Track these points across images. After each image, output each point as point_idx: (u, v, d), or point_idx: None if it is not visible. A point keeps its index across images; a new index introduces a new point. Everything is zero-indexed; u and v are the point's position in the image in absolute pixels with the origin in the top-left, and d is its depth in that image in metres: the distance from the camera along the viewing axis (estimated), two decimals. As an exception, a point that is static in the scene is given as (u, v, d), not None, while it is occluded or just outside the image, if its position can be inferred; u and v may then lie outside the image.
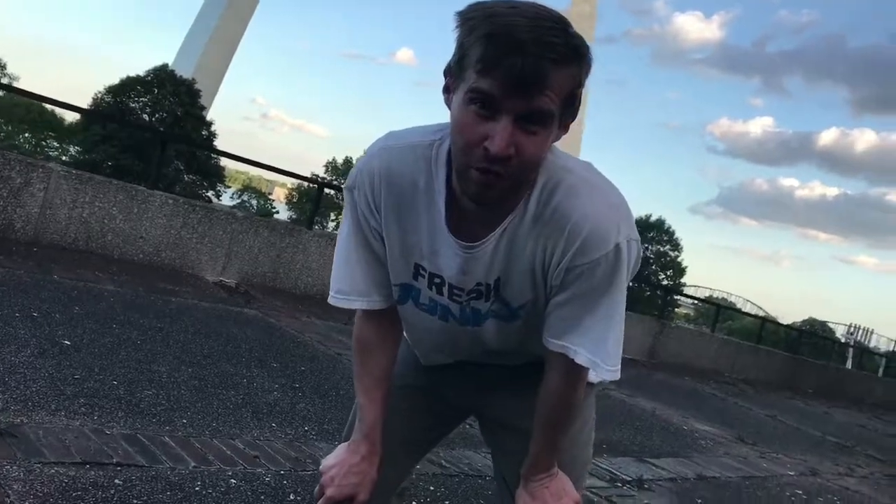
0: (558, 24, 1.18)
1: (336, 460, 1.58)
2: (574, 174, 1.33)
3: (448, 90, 1.28)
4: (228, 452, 3.16)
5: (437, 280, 1.44)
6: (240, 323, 5.84)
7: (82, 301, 4.98)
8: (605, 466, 4.67)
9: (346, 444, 1.61)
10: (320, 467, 1.62)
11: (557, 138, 1.27)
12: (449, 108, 1.27)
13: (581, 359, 1.38)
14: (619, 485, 4.45)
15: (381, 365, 1.57)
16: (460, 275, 1.42)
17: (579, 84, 1.22)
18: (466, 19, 1.21)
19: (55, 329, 4.15)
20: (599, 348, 1.37)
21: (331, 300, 1.53)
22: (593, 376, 1.47)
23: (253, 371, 4.50)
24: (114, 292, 5.54)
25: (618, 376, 1.40)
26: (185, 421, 3.38)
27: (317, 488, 1.61)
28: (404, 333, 1.64)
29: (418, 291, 1.49)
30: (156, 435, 3.12)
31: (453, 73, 1.25)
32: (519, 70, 1.15)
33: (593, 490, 4.16)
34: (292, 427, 3.69)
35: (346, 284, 1.51)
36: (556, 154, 1.33)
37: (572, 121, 1.27)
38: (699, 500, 4.61)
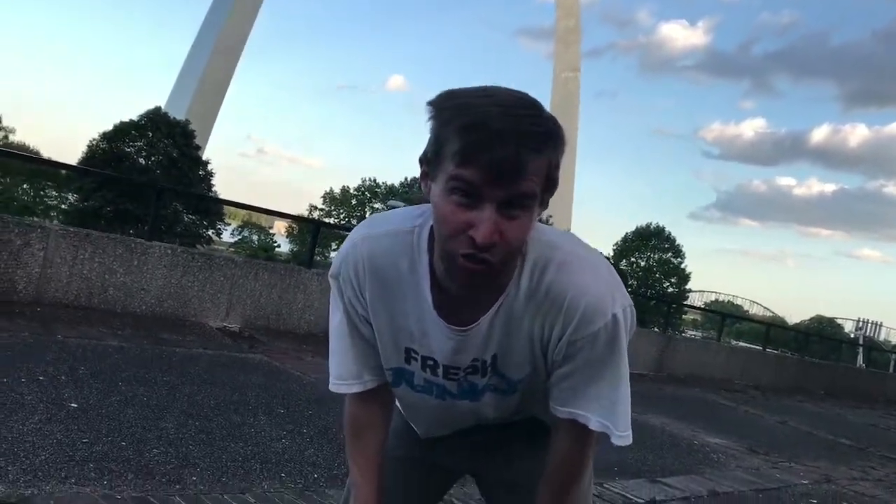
0: (532, 111, 1.21)
1: None
2: (561, 250, 1.37)
3: (425, 177, 1.30)
4: (239, 508, 3.18)
5: (430, 362, 1.47)
6: (245, 369, 5.87)
7: (87, 360, 5.01)
8: (616, 490, 4.68)
9: None
10: None
11: (539, 215, 1.30)
12: (427, 194, 1.30)
13: (594, 424, 1.42)
14: (632, 508, 4.46)
15: (374, 443, 1.60)
16: (454, 355, 1.44)
17: (556, 165, 1.26)
18: (441, 109, 1.24)
19: (62, 391, 4.19)
20: (609, 414, 1.41)
21: (331, 387, 1.57)
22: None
23: (260, 419, 4.53)
24: (118, 348, 5.58)
25: (629, 441, 1.42)
26: (195, 478, 3.40)
27: None
28: (399, 407, 1.67)
29: (412, 374, 1.51)
30: (167, 496, 3.14)
31: (430, 162, 1.27)
32: (499, 160, 1.17)
33: (606, 516, 4.17)
34: (302, 476, 3.71)
35: (344, 370, 1.55)
36: (539, 230, 1.36)
37: (551, 196, 1.30)
38: (713, 519, 4.61)
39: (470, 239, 1.22)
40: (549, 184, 1.26)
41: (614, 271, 1.41)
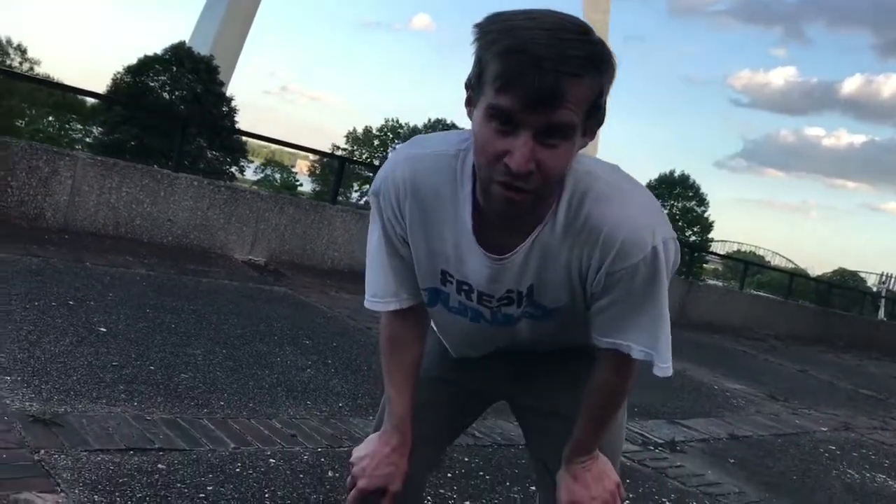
0: (579, 35, 1.17)
1: (367, 451, 1.61)
2: (601, 180, 1.34)
3: (469, 103, 1.27)
4: (266, 432, 3.24)
5: (465, 287, 1.46)
6: (270, 301, 5.92)
7: (115, 287, 5.07)
8: (636, 430, 4.72)
9: (376, 434, 1.64)
10: (351, 458, 1.65)
11: (584, 146, 1.27)
12: (471, 120, 1.27)
13: (637, 353, 1.41)
14: (652, 448, 4.49)
15: (410, 359, 1.60)
16: (489, 283, 1.43)
17: (602, 93, 1.21)
18: (485, 32, 1.20)
19: (91, 316, 4.24)
20: (652, 343, 1.41)
21: (366, 304, 1.57)
22: None
23: (286, 349, 4.57)
24: (145, 276, 5.64)
25: (671, 372, 1.42)
26: (222, 403, 3.45)
27: (348, 479, 1.64)
28: (433, 327, 1.67)
29: (447, 295, 1.50)
30: (195, 418, 3.20)
31: (473, 87, 1.25)
32: (537, 86, 1.14)
33: (626, 454, 4.21)
34: (327, 404, 3.76)
35: (380, 288, 1.54)
36: (580, 161, 1.33)
37: (599, 127, 1.26)
38: (732, 461, 4.64)
39: (505, 166, 1.20)
40: (595, 112, 1.22)
41: (657, 204, 1.38)
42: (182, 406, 3.30)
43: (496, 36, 1.18)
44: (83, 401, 3.09)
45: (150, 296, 5.06)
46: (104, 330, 4.07)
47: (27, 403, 2.92)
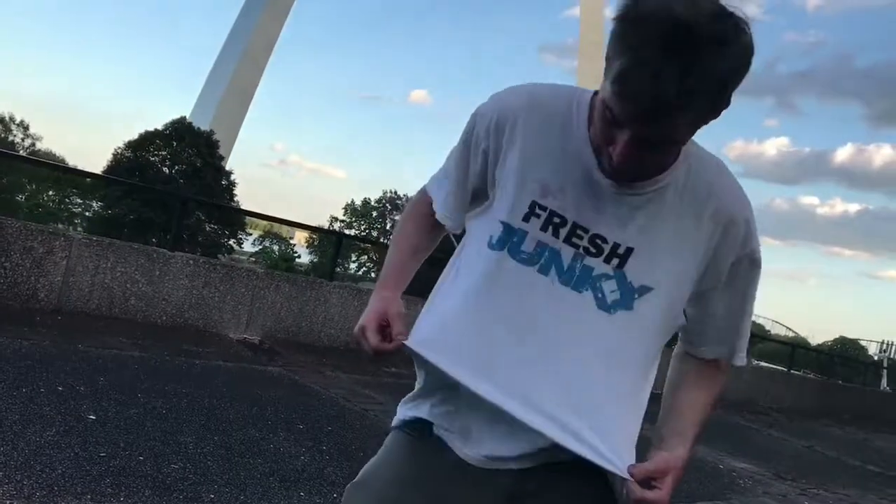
0: (712, 46, 1.06)
1: (364, 318, 1.42)
2: (714, 157, 1.33)
3: (606, 70, 1.18)
4: (257, 528, 3.11)
5: (556, 219, 1.29)
6: (264, 383, 5.81)
7: (107, 371, 4.97)
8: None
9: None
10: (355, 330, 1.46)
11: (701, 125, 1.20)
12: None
13: (740, 361, 1.41)
14: (658, 535, 4.34)
15: (419, 232, 1.54)
16: (593, 212, 1.28)
17: (729, 95, 1.14)
18: (621, 21, 1.12)
19: (80, 403, 4.14)
20: (745, 345, 1.42)
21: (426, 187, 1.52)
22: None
23: (279, 435, 4.45)
24: (138, 358, 5.54)
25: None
26: (212, 496, 3.33)
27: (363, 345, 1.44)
28: (450, 310, 1.37)
29: (523, 236, 1.29)
30: (183, 514, 3.08)
31: (607, 61, 1.16)
32: (648, 110, 1.10)
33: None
34: (321, 495, 3.63)
35: (437, 181, 1.50)
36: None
37: (725, 109, 1.18)
38: (741, 548, 4.49)
39: (609, 155, 1.19)
40: (714, 110, 1.15)
41: None
42: (171, 500, 3.18)
43: (627, 30, 1.10)
44: (67, 497, 2.97)
45: (142, 379, 4.96)
46: (93, 418, 3.96)
47: (7, 501, 2.81)
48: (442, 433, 1.37)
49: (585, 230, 1.27)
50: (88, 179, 42.07)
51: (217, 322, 7.15)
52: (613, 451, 1.27)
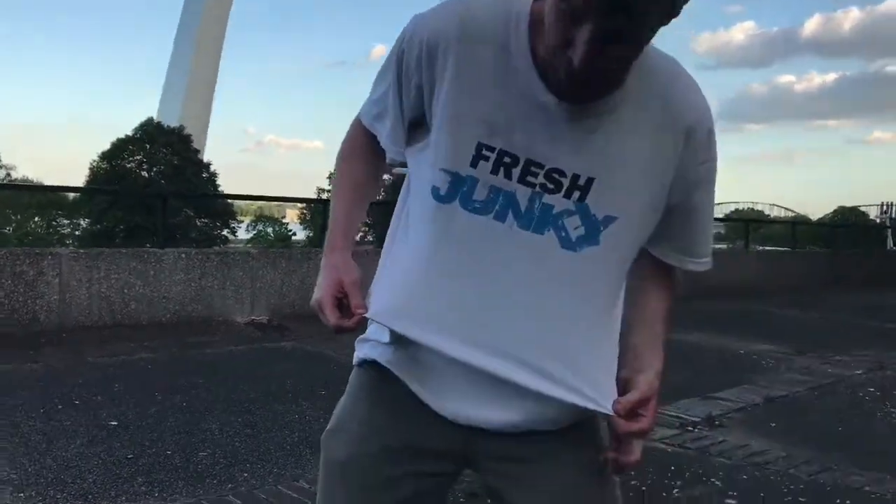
0: None
1: (319, 292, 1.32)
2: (669, 59, 1.22)
3: None
4: (295, 496, 3.13)
5: (507, 159, 1.17)
6: (279, 358, 5.82)
7: (120, 376, 4.97)
8: (670, 413, 4.60)
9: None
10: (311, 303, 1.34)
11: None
12: None
13: (709, 265, 1.34)
14: (690, 428, 4.38)
15: (363, 170, 1.40)
16: (546, 144, 1.16)
17: None
18: None
19: (99, 412, 4.14)
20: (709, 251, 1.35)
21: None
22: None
23: (302, 405, 4.47)
24: (149, 359, 5.54)
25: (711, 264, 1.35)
26: (246, 475, 3.35)
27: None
28: (400, 271, 1.28)
29: (473, 183, 1.18)
30: (220, 497, 3.09)
31: None
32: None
33: (665, 440, 4.10)
34: (352, 453, 3.65)
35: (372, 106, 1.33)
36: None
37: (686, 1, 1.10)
38: (773, 425, 4.53)
39: (568, 59, 1.06)
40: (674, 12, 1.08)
41: None
42: (205, 486, 3.20)
43: None
44: (103, 503, 2.99)
45: (156, 378, 4.96)
46: (115, 423, 3.97)
47: (44, 517, 2.83)
48: (403, 377, 1.30)
49: (540, 166, 1.17)
50: (71, 197, 41.87)
51: (221, 309, 7.14)
52: (600, 393, 1.23)
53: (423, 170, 1.24)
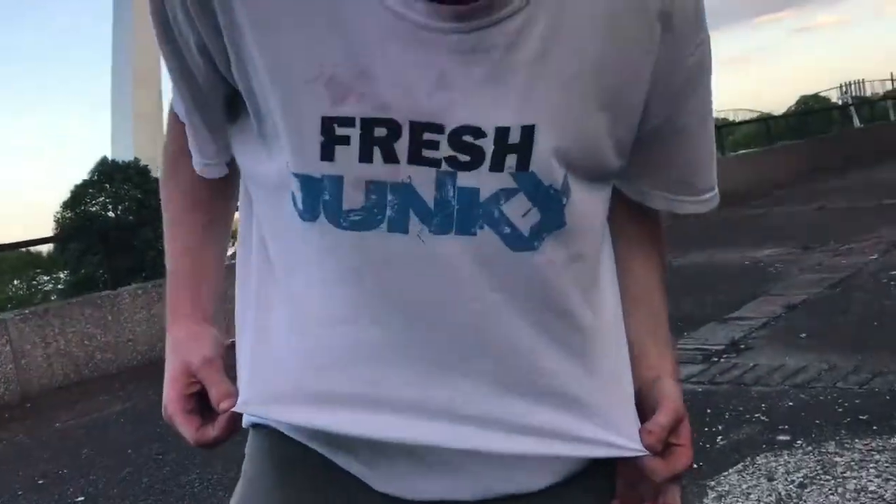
0: None
1: (165, 395, 0.85)
2: None
3: None
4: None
5: (379, 133, 0.69)
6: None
7: (90, 439, 4.51)
8: (691, 346, 4.19)
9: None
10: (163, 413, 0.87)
11: None
12: None
13: (714, 201, 0.86)
14: (716, 359, 3.96)
15: (208, 194, 0.89)
16: (435, 89, 0.69)
17: None
18: None
19: (65, 488, 3.68)
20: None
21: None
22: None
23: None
24: (122, 411, 5.07)
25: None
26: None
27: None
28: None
29: (336, 186, 0.71)
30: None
31: None
32: None
33: (692, 380, 3.68)
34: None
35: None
36: None
37: None
38: (803, 335, 4.12)
39: None
40: None
41: None
42: (187, 554, 2.76)
43: None
44: None
45: (129, 433, 4.50)
46: (81, 499, 3.51)
47: None
48: (321, 449, 0.83)
49: (438, 128, 0.69)
50: (46, 251, 41.14)
51: (195, 339, 6.67)
52: (617, 429, 0.77)
53: (263, 172, 0.78)
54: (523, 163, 0.70)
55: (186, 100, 0.80)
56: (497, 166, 0.70)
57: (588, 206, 0.76)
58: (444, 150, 0.69)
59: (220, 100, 0.79)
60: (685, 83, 0.77)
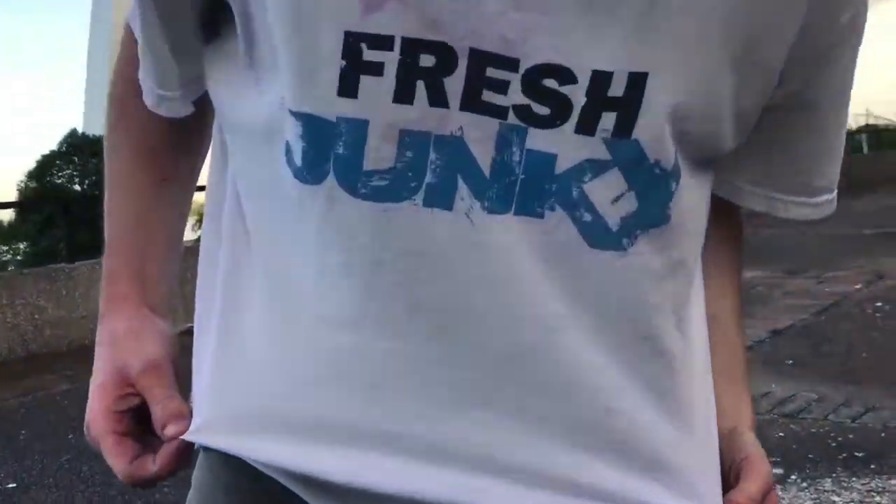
0: None
1: (89, 410, 0.65)
2: None
3: None
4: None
5: (425, 60, 0.48)
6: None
7: (29, 420, 4.23)
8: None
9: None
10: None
11: None
12: None
13: (831, 206, 0.64)
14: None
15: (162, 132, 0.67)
16: (512, 11, 0.47)
17: None
18: None
19: (-3, 472, 3.41)
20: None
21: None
22: None
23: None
24: (67, 392, 4.78)
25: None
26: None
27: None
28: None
29: (359, 132, 0.49)
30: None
31: None
32: None
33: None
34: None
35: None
36: None
37: None
38: (789, 362, 3.97)
39: None
40: None
41: None
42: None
43: None
44: None
45: (71, 415, 4.20)
46: (13, 485, 3.25)
47: None
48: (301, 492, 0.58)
49: (510, 62, 0.48)
50: (6, 220, 40.39)
51: (153, 320, 6.40)
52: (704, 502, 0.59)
53: (248, 112, 0.55)
54: (625, 126, 0.49)
55: (147, 6, 0.58)
56: (587, 127, 0.49)
57: (696, 198, 0.56)
58: (515, 96, 0.48)
59: (193, 8, 0.57)
60: (829, 47, 0.55)
